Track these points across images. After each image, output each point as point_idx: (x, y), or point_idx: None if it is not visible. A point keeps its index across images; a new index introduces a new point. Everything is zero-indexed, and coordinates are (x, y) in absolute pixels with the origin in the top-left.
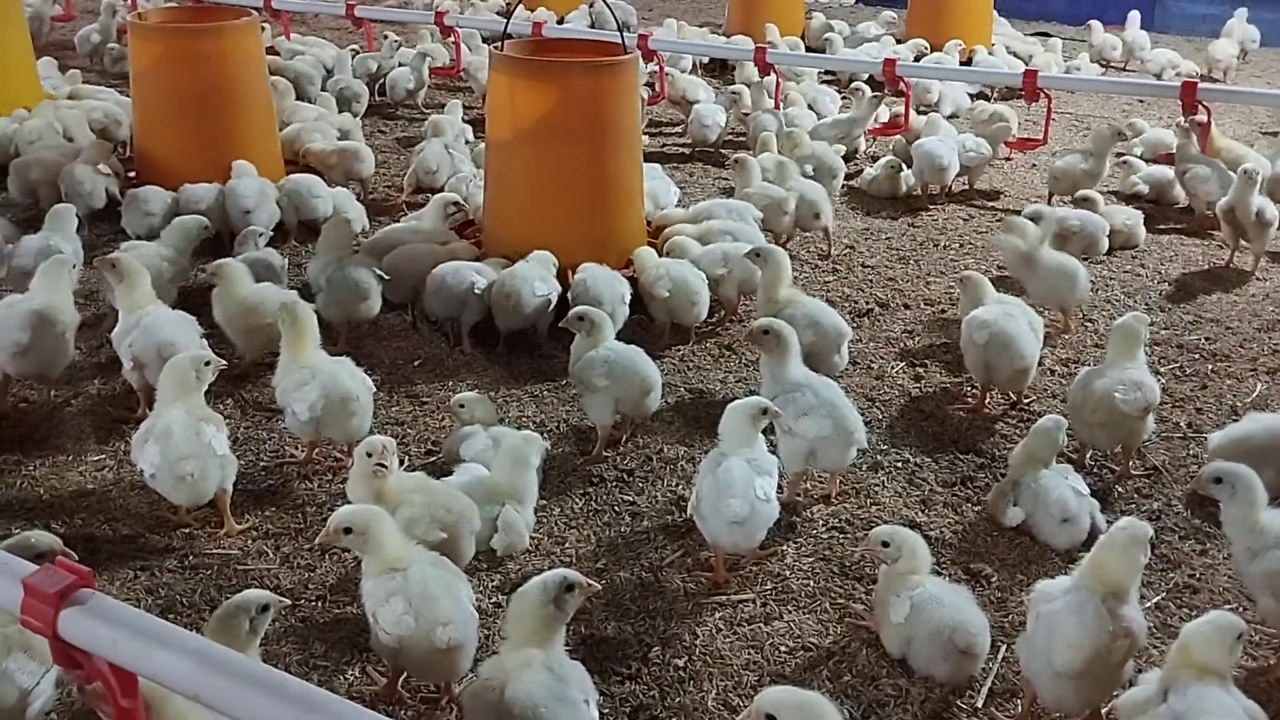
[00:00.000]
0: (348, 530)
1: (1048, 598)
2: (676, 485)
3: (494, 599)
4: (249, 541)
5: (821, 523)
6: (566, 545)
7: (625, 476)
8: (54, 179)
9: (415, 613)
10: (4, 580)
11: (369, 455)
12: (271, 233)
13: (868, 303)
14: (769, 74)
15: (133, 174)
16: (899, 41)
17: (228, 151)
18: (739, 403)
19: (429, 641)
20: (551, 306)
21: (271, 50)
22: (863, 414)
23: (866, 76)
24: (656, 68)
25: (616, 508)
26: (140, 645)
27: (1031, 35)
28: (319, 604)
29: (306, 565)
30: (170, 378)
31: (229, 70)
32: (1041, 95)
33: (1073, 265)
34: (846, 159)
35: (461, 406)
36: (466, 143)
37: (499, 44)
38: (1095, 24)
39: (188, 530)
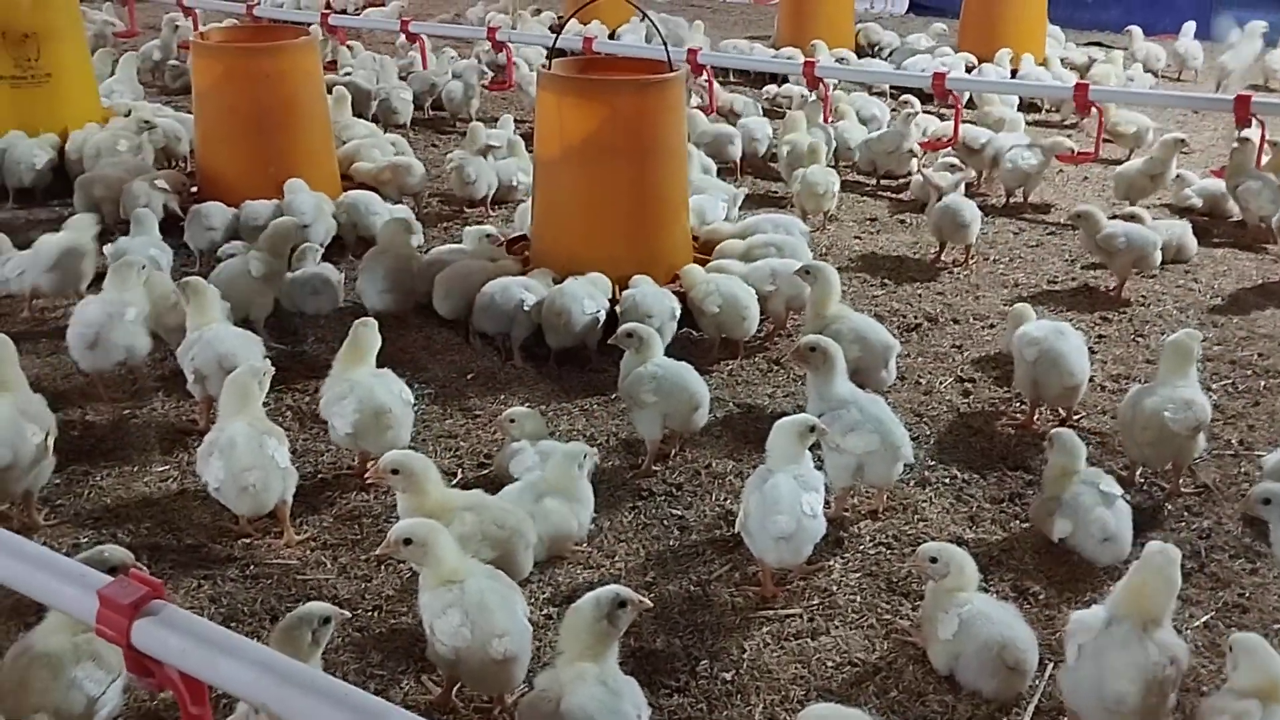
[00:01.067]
0: (408, 542)
1: (1087, 629)
2: (724, 499)
3: (545, 611)
4: (308, 552)
5: (869, 538)
6: (616, 559)
7: (674, 491)
8: (118, 194)
9: (471, 624)
10: (80, 591)
11: (395, 472)
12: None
13: (916, 317)
14: (818, 87)
15: (195, 189)
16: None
17: (287, 168)
18: (786, 420)
19: (485, 652)
20: (600, 324)
21: (331, 65)
22: (910, 430)
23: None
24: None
25: (665, 522)
26: (209, 655)
27: (1085, 45)
28: (376, 614)
29: (363, 576)
30: (231, 391)
31: (288, 88)
32: (1093, 108)
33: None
34: (896, 176)
35: (511, 421)
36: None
37: (547, 62)
38: (1136, 30)
39: (248, 540)
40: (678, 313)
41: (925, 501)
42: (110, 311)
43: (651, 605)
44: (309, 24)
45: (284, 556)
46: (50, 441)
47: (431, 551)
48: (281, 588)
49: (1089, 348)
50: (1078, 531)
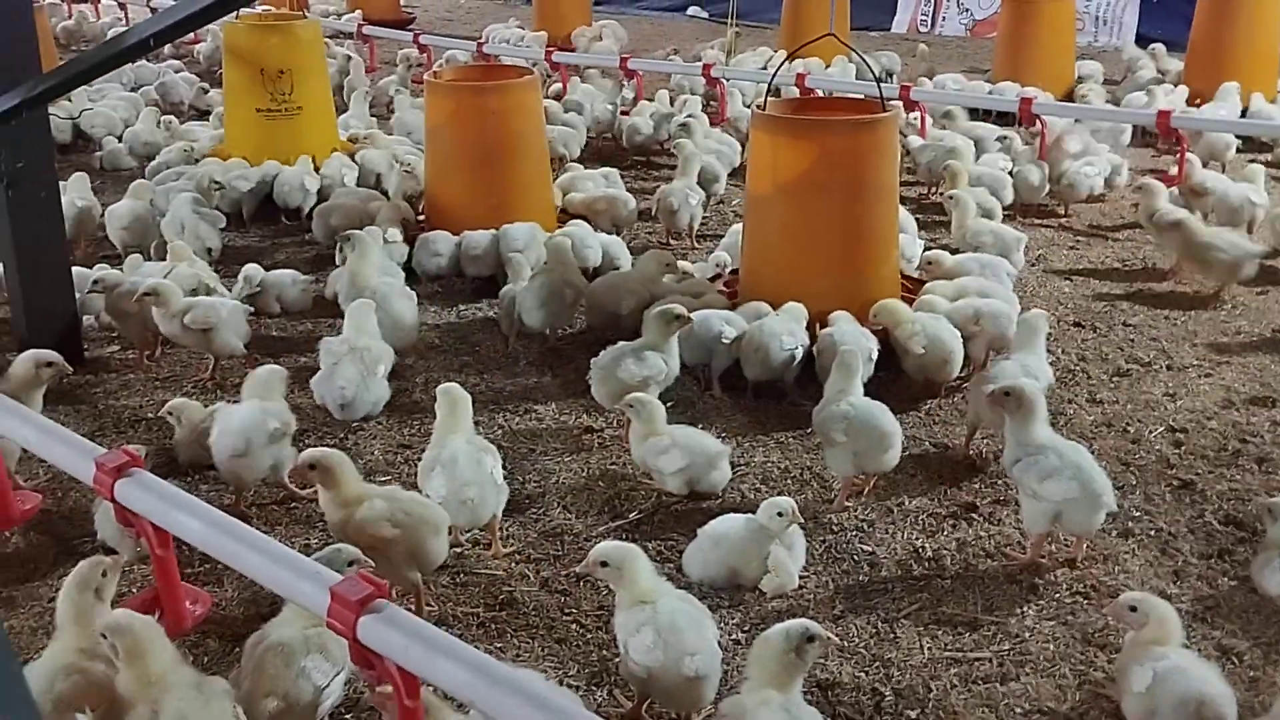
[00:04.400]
0: (604, 564)
1: None
2: (916, 538)
3: (734, 636)
4: (512, 564)
5: (1065, 587)
6: (805, 590)
7: (865, 526)
8: (353, 224)
9: (663, 643)
10: (315, 587)
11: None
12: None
13: (1126, 363)
14: (1034, 124)
15: (422, 218)
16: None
17: (507, 199)
18: (1032, 312)
19: (676, 670)
20: (798, 361)
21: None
22: (1115, 479)
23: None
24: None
25: (855, 557)
26: (426, 653)
27: None
28: (574, 628)
29: (563, 590)
30: (443, 401)
31: (512, 124)
32: None
33: None
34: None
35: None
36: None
37: (763, 101)
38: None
39: (459, 550)
40: (875, 354)
41: (1127, 553)
42: (363, 372)
43: (840, 643)
44: (534, 60)
45: (491, 567)
46: (288, 435)
47: (627, 572)
48: (488, 596)
49: None
50: None
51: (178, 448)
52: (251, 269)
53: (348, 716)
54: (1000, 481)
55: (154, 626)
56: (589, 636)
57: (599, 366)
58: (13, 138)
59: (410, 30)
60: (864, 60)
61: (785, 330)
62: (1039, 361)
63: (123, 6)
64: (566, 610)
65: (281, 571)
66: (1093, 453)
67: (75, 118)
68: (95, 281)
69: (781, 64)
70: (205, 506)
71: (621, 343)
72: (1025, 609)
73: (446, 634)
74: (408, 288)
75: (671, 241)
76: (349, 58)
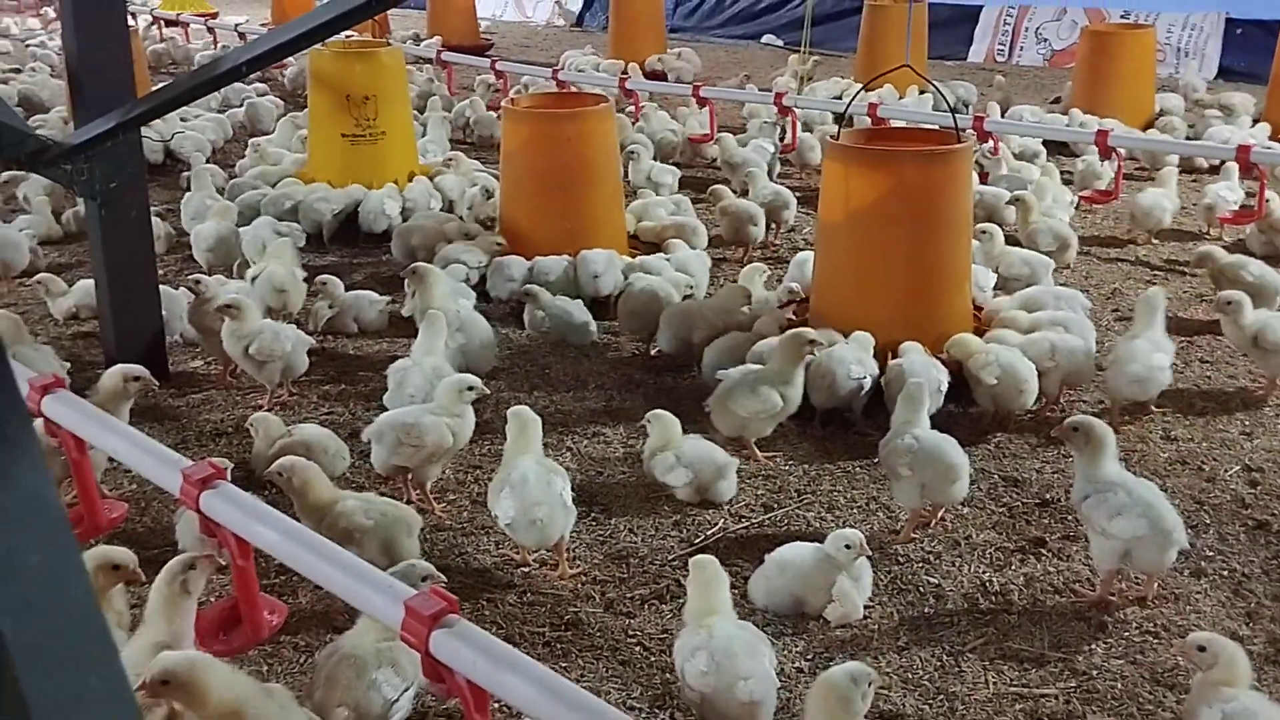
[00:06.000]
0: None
1: None
2: (983, 571)
3: (797, 664)
4: (578, 585)
5: (1135, 625)
6: (869, 621)
7: (931, 559)
8: (432, 244)
9: (717, 667)
10: (389, 601)
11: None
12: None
13: (1203, 400)
14: (1110, 157)
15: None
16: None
17: (580, 225)
18: (1153, 290)
19: (731, 694)
20: (866, 390)
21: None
22: (1187, 518)
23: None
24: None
25: (921, 589)
26: (496, 668)
27: None
28: (638, 650)
29: (627, 613)
30: (513, 423)
31: (586, 151)
32: None
33: None
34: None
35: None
36: None
37: (836, 132)
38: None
39: (527, 570)
40: (945, 386)
41: (1199, 593)
42: (430, 378)
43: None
44: (608, 88)
45: (557, 587)
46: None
47: (699, 590)
48: (554, 616)
49: None
50: None
51: (255, 461)
52: (328, 279)
53: None
54: (1070, 517)
55: (204, 662)
56: (653, 659)
57: (717, 397)
58: (107, 159)
59: (488, 56)
60: (938, 91)
61: (854, 358)
62: (1163, 338)
63: (211, 31)
64: (631, 633)
65: (357, 585)
66: (1166, 491)
67: (167, 140)
68: (196, 281)
69: (856, 94)
70: (286, 520)
71: (745, 368)
72: (1093, 646)
73: (514, 650)
74: (477, 314)
75: (739, 267)
76: (431, 80)
